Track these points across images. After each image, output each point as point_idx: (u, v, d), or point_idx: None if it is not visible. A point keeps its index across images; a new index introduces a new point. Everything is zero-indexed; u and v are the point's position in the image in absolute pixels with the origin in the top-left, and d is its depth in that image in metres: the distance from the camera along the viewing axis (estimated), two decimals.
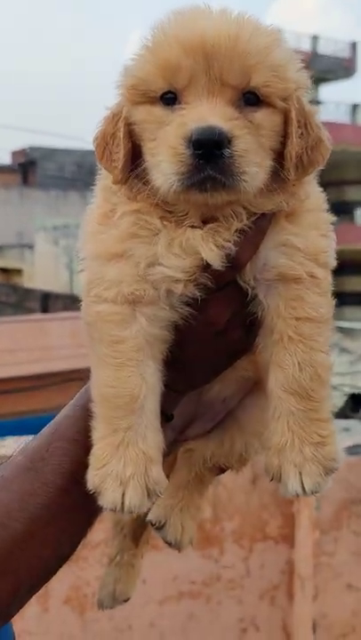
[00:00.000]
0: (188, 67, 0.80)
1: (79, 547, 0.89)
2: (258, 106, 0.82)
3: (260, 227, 0.83)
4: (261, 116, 0.82)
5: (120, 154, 0.84)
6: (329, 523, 2.64)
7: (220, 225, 0.82)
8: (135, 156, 0.86)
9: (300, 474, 0.83)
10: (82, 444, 0.83)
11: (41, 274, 26.29)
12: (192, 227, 0.82)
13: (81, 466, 0.81)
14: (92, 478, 0.80)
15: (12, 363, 9.60)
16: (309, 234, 0.85)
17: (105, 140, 0.87)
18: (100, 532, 1.17)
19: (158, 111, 0.83)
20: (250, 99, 0.82)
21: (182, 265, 0.81)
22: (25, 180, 38.86)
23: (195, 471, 1.04)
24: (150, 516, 1.01)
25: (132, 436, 0.80)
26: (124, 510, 0.78)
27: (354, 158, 31.07)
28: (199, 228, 0.82)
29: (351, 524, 2.65)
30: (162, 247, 0.82)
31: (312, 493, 0.84)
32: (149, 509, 0.90)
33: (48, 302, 15.91)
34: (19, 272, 28.72)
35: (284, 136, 0.84)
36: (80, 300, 0.87)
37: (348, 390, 12.44)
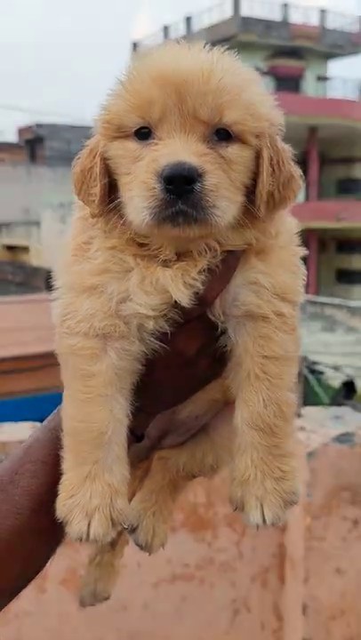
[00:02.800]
0: (161, 101, 0.80)
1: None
2: (230, 141, 0.82)
3: (228, 265, 0.84)
4: (233, 151, 0.82)
5: (96, 188, 0.85)
6: (319, 508, 2.67)
7: (188, 264, 0.83)
8: (111, 190, 0.86)
9: (262, 506, 0.85)
10: (51, 467, 0.85)
11: (48, 252, 26.21)
12: (164, 265, 0.83)
13: (49, 488, 0.83)
14: (61, 508, 0.82)
15: (19, 342, 9.62)
16: (278, 272, 0.86)
17: (83, 174, 0.88)
18: None
19: (132, 146, 0.83)
20: (222, 134, 0.82)
21: (152, 303, 0.82)
22: (32, 157, 38.63)
23: (168, 477, 1.06)
24: None
25: (99, 469, 0.82)
26: (89, 540, 0.80)
27: None
28: (169, 267, 0.83)
29: (341, 509, 2.67)
30: (133, 285, 0.83)
31: (272, 524, 0.86)
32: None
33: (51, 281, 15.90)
34: (25, 249, 28.62)
35: (256, 172, 0.85)
36: None
37: (352, 371, 12.41)
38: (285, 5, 33.15)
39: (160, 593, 2.79)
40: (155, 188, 0.78)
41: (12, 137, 42.06)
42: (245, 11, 32.10)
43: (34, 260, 27.24)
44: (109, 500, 0.82)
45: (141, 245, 0.85)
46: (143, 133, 0.83)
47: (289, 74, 32.80)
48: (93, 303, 0.84)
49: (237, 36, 31.19)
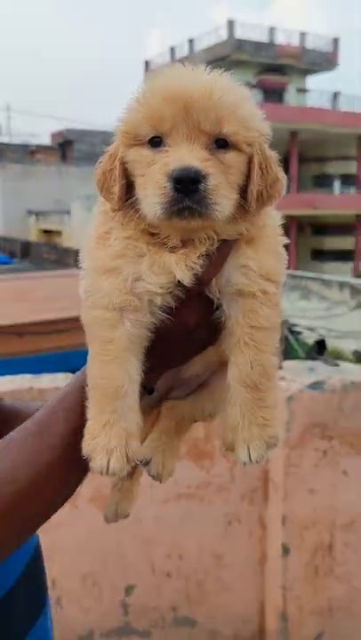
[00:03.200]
0: (171, 116, 0.80)
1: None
2: (227, 149, 0.82)
3: (222, 252, 0.84)
4: (230, 157, 0.82)
5: (116, 187, 0.85)
6: (296, 442, 2.69)
7: (190, 250, 0.83)
8: (128, 189, 0.86)
9: (249, 448, 0.86)
10: (79, 414, 0.85)
11: (77, 235, 26.12)
12: (170, 251, 0.83)
13: (78, 431, 0.83)
14: (86, 447, 0.82)
15: (54, 308, 9.66)
16: (264, 257, 0.86)
17: (104, 175, 0.87)
18: None
19: (146, 152, 0.83)
20: (221, 143, 0.82)
21: (160, 282, 0.83)
22: (63, 157, 38.21)
23: (175, 422, 1.06)
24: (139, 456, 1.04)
25: (117, 416, 0.83)
26: (109, 473, 0.81)
27: (334, 138, 30.23)
28: (175, 252, 0.83)
29: (313, 442, 2.69)
30: (145, 267, 0.83)
31: (256, 462, 0.87)
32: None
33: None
34: (58, 233, 28.54)
35: (248, 175, 0.84)
36: None
37: (324, 331, 12.39)
38: (272, 29, 32.36)
39: (168, 508, 2.83)
40: (166, 187, 0.78)
41: (46, 140, 41.58)
42: (238, 34, 31.39)
43: (65, 241, 27.16)
44: (125, 441, 0.83)
45: (152, 235, 0.85)
46: (155, 142, 0.82)
47: (274, 87, 32.18)
48: (112, 282, 0.84)
49: (232, 55, 30.57)
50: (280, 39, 32.70)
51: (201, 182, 0.78)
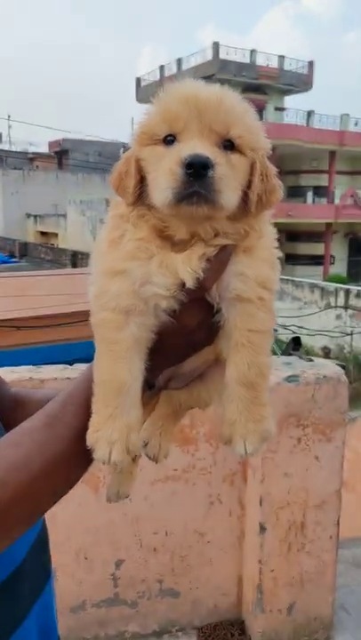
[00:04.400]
0: (184, 115, 0.80)
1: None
2: (233, 151, 0.81)
3: (222, 258, 0.83)
4: (235, 158, 0.81)
5: (131, 182, 0.84)
6: None
7: (194, 251, 0.82)
8: (142, 185, 0.84)
9: (245, 442, 0.85)
10: (86, 408, 0.83)
11: (72, 237, 25.97)
12: (177, 250, 0.82)
13: (85, 424, 0.82)
14: (90, 438, 0.81)
15: (50, 304, 9.59)
16: (261, 266, 0.85)
17: (120, 175, 0.86)
18: None
19: (160, 149, 0.82)
20: (227, 145, 0.81)
21: (167, 283, 0.81)
22: (60, 165, 37.92)
23: (172, 408, 1.06)
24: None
25: (119, 411, 0.82)
26: (110, 464, 0.80)
27: (308, 153, 30.35)
28: (180, 252, 0.82)
29: (288, 431, 2.70)
30: (154, 266, 0.81)
31: (252, 455, 0.86)
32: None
33: (76, 259, 15.70)
34: (55, 235, 28.36)
35: (249, 179, 0.83)
36: None
37: (295, 329, 12.44)
38: (253, 51, 32.34)
39: (156, 489, 2.83)
40: (177, 173, 0.77)
41: (44, 149, 41.21)
42: (223, 55, 31.33)
43: (61, 243, 27.00)
44: (126, 435, 0.81)
45: (162, 234, 0.83)
46: (169, 140, 0.81)
47: (255, 105, 31.53)
48: (120, 286, 0.82)
49: (216, 74, 30.45)
50: (260, 61, 32.69)
51: (210, 169, 0.76)
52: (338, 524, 2.89)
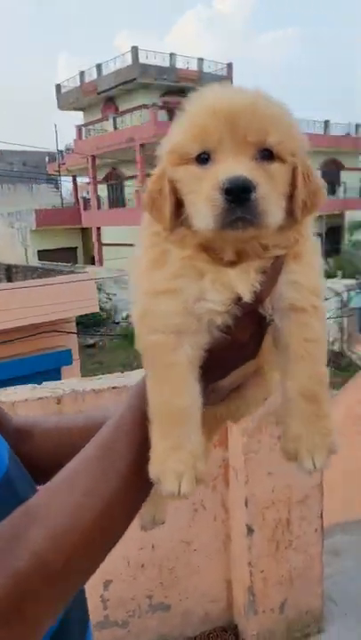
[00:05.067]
0: (216, 130, 0.75)
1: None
2: (272, 160, 0.77)
3: (276, 268, 0.79)
4: (275, 168, 0.77)
5: (167, 206, 0.78)
6: (253, 429, 2.70)
7: (247, 265, 0.78)
8: (178, 207, 0.79)
9: (313, 457, 0.82)
10: (139, 439, 0.78)
11: (2, 250, 25.23)
12: (229, 266, 0.78)
13: (141, 455, 0.76)
14: (154, 471, 0.75)
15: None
16: (310, 273, 0.82)
17: (152, 196, 0.80)
18: None
19: (194, 169, 0.77)
20: (265, 155, 0.77)
21: (222, 298, 0.77)
22: None
23: (208, 423, 1.02)
24: None
25: (182, 440, 0.76)
26: (180, 496, 0.75)
27: None
28: (233, 268, 0.78)
29: (269, 429, 2.71)
30: (208, 284, 0.77)
31: (320, 469, 0.83)
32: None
33: (11, 273, 15.23)
34: None
35: (292, 185, 0.80)
36: None
37: None
38: (172, 55, 32.69)
39: None
40: (217, 199, 0.72)
41: None
42: (142, 59, 31.44)
43: None
44: (192, 464, 0.76)
45: (209, 252, 0.79)
46: (203, 159, 0.76)
47: (178, 107, 32.43)
48: (169, 305, 0.77)
49: (138, 78, 30.62)
50: (180, 64, 33.07)
51: (252, 191, 0.72)
52: (321, 516, 2.93)
